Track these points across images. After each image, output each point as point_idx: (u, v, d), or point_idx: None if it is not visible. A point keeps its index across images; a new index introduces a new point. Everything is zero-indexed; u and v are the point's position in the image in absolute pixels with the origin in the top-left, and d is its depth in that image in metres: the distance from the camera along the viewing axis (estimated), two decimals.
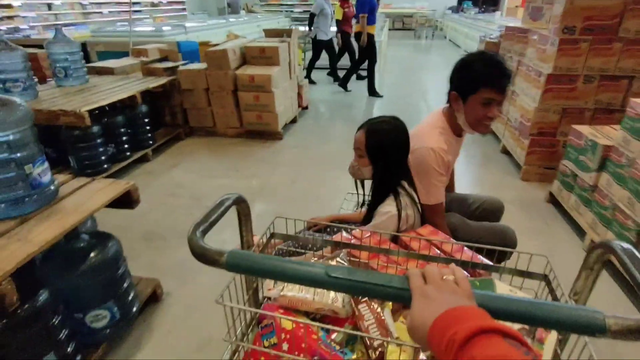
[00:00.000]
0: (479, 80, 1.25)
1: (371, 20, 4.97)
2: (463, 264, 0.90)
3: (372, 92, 5.41)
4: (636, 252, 0.56)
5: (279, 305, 0.83)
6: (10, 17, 8.93)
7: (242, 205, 0.79)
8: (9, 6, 8.87)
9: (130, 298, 1.49)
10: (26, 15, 9.32)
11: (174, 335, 1.58)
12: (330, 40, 5.71)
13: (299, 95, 4.35)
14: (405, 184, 1.27)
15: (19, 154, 1.19)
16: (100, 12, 12.15)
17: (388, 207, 1.22)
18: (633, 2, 2.30)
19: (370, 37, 5.04)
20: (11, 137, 1.17)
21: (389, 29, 13.69)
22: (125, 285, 1.46)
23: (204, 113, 3.70)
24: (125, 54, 4.34)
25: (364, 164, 1.26)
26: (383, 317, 0.79)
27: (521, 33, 3.12)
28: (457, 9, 15.56)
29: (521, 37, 3.11)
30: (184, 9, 15.49)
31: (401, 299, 0.49)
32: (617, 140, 1.92)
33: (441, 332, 0.41)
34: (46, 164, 1.30)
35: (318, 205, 2.60)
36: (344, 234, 1.05)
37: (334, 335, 0.80)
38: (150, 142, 3.28)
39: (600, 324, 0.45)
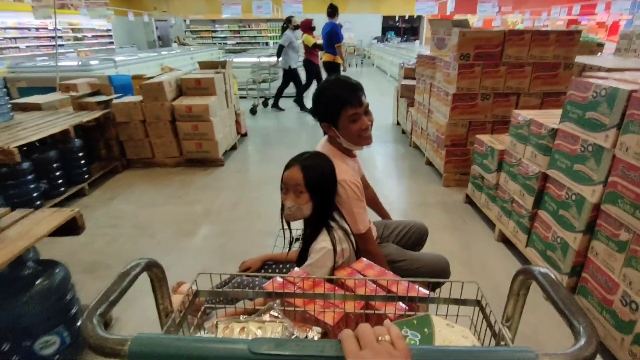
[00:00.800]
0: (337, 105, 1.33)
1: (334, 50, 5.72)
2: (400, 299, 0.92)
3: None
4: (552, 275, 0.62)
5: None
6: None
7: (154, 271, 0.72)
8: None
9: (79, 323, 1.50)
10: None
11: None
12: (296, 69, 6.19)
13: (237, 123, 4.51)
14: (337, 216, 1.28)
15: None
16: (17, 47, 11.44)
17: (323, 243, 1.21)
18: (510, 34, 2.81)
19: (337, 65, 5.81)
20: None
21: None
22: (74, 310, 1.48)
23: (142, 144, 3.70)
24: (51, 90, 4.21)
25: (304, 201, 1.23)
26: None
27: (430, 60, 3.59)
28: (382, 38, 16.92)
29: (431, 64, 3.58)
30: (111, 42, 15.07)
31: None
32: (507, 145, 2.32)
33: None
34: None
35: (261, 222, 2.74)
36: (278, 279, 1.01)
37: None
38: (86, 176, 3.21)
39: None
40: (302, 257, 1.30)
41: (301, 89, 6.40)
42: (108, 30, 15.45)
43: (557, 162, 1.84)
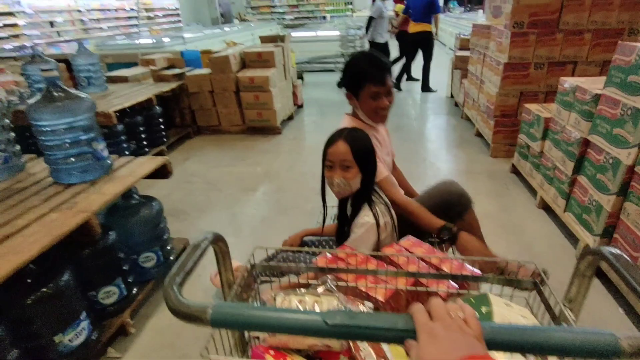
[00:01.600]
0: (361, 78, 1.39)
1: (429, 19, 5.28)
2: (453, 277, 0.91)
3: (426, 88, 5.73)
4: (627, 257, 0.58)
5: (269, 346, 0.78)
6: (15, 36, 9.35)
7: (219, 244, 0.76)
8: (15, 25, 9.30)
9: (169, 247, 1.91)
10: (30, 34, 9.73)
11: (204, 277, 2.00)
12: (386, 43, 5.91)
13: (294, 94, 4.80)
14: (377, 190, 1.30)
15: (89, 135, 1.62)
16: (100, 28, 12.57)
17: (365, 218, 1.22)
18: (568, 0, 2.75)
19: (430, 34, 5.36)
20: (82, 123, 1.60)
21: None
22: (165, 236, 1.88)
23: (210, 113, 4.14)
24: (133, 64, 4.78)
25: (353, 175, 1.22)
26: (381, 348, 0.77)
27: (485, 29, 3.56)
28: (443, 8, 16.12)
29: (485, 33, 3.55)
30: (179, 21, 15.98)
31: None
32: (553, 113, 2.36)
33: None
34: (104, 143, 1.73)
35: (314, 181, 2.99)
36: (327, 254, 1.03)
37: None
38: (165, 139, 3.71)
39: (614, 347, 0.44)
40: (340, 233, 1.31)
41: (405, 62, 5.99)
42: (176, 8, 16.35)
43: (598, 127, 1.89)
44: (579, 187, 2.06)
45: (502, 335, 0.45)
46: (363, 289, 0.92)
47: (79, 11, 11.85)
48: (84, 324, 1.40)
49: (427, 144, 3.80)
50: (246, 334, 0.88)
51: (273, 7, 17.14)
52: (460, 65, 4.58)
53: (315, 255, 1.15)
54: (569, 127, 2.15)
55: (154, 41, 7.70)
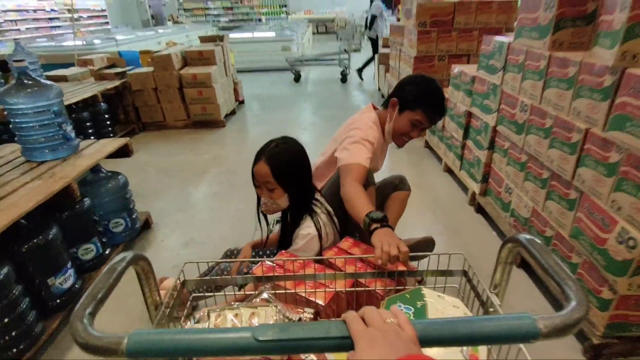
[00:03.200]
0: (421, 103, 1.37)
1: None
2: (389, 274, 0.94)
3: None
4: (538, 241, 0.63)
5: None
6: None
7: (140, 264, 0.70)
8: None
9: (134, 215, 2.19)
10: None
11: (166, 243, 2.29)
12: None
13: (235, 91, 5.11)
14: (319, 197, 1.28)
15: (60, 118, 1.86)
16: (18, 29, 11.80)
17: (307, 229, 1.21)
18: (459, 4, 3.39)
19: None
20: (55, 107, 1.84)
21: (313, 33, 14.77)
22: (131, 205, 2.16)
23: (154, 109, 4.32)
24: (70, 65, 4.78)
25: (279, 195, 1.21)
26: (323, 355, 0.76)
27: (400, 29, 4.17)
28: None
29: (400, 32, 4.16)
30: (106, 23, 15.33)
31: (343, 348, 0.45)
32: (449, 94, 2.96)
33: None
34: (72, 126, 1.97)
35: None
36: (267, 263, 1.02)
37: None
38: (112, 135, 3.85)
39: (532, 330, 0.46)
40: (282, 242, 1.31)
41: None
42: (103, 10, 15.65)
43: (475, 101, 2.48)
44: (467, 149, 2.65)
45: (433, 332, 0.47)
46: (303, 295, 0.92)
47: None
48: (71, 272, 1.67)
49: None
50: None
51: (207, 9, 17.06)
52: (384, 61, 5.19)
53: (255, 264, 1.11)
54: (458, 103, 2.75)
55: (84, 43, 7.55)
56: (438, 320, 0.50)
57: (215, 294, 1.04)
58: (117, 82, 3.99)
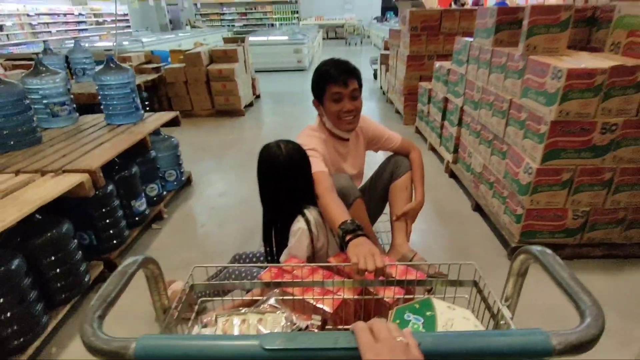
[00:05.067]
0: (324, 80, 1.41)
1: None
2: (399, 283, 0.93)
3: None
4: (550, 251, 0.64)
5: None
6: None
7: (150, 268, 0.70)
8: None
9: (182, 170, 2.86)
10: None
11: (204, 194, 2.95)
12: None
13: (253, 86, 5.79)
14: (312, 209, 1.28)
15: (134, 92, 2.53)
16: (49, 32, 12.67)
17: (297, 225, 1.23)
18: (445, 12, 4.03)
19: None
20: (131, 84, 2.51)
21: (323, 38, 15.49)
22: (180, 162, 2.83)
23: (184, 99, 5.02)
24: None
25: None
26: None
27: (397, 32, 4.82)
28: (381, 18, 17.88)
29: (397, 35, 4.81)
30: (128, 27, 16.23)
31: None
32: (432, 85, 3.59)
33: None
34: (139, 99, 2.64)
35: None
36: (274, 268, 1.03)
37: None
38: None
39: (546, 347, 0.46)
40: (281, 241, 1.32)
41: None
42: (125, 14, 16.60)
43: (450, 89, 3.12)
44: (444, 128, 3.28)
45: (442, 346, 0.47)
46: (310, 302, 0.92)
47: (28, 15, 11.93)
48: (143, 200, 2.33)
49: None
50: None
51: (222, 14, 17.94)
52: (385, 62, 5.84)
53: (262, 269, 1.12)
54: (438, 92, 3.38)
55: (114, 44, 8.35)
56: (448, 333, 0.50)
57: (223, 298, 1.01)
58: (154, 76, 4.69)
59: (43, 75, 2.39)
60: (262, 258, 1.53)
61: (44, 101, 2.43)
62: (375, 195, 1.77)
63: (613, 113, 1.70)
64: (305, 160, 1.31)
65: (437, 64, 3.46)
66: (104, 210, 1.99)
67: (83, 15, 14.17)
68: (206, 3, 17.92)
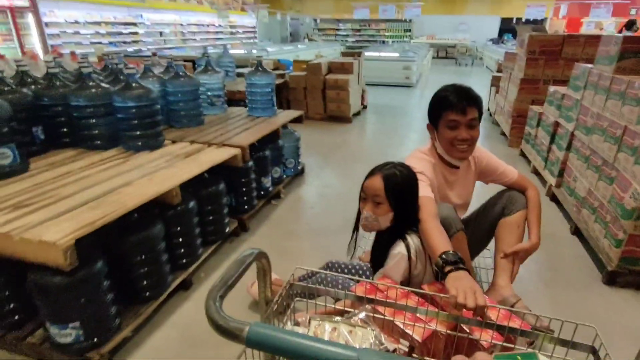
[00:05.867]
0: (441, 106, 1.38)
1: None
2: (498, 328, 0.86)
3: None
4: None
5: None
6: (135, 42, 11.66)
7: (262, 262, 0.77)
8: (136, 33, 11.62)
9: (299, 160, 3.36)
10: (146, 40, 12.04)
11: (314, 183, 3.41)
12: None
13: (362, 97, 6.24)
14: (413, 235, 1.27)
15: (271, 91, 3.10)
16: (194, 39, 14.83)
17: (398, 248, 1.24)
18: (568, 37, 3.96)
19: None
20: (272, 84, 3.09)
21: (433, 57, 15.47)
22: (299, 152, 3.33)
23: (302, 103, 5.67)
24: (245, 67, 6.47)
25: (383, 211, 1.25)
26: None
27: (513, 55, 4.81)
28: (498, 40, 17.17)
29: (513, 58, 4.80)
30: (255, 37, 18.24)
31: None
32: (544, 109, 3.58)
33: None
34: (274, 97, 3.21)
35: (377, 146, 4.42)
36: (367, 284, 1.02)
37: None
38: None
39: None
40: (376, 264, 1.33)
41: None
42: (253, 27, 18.65)
43: (563, 113, 3.11)
44: (551, 152, 3.27)
45: None
46: (400, 326, 0.90)
47: (182, 24, 14.18)
48: (270, 178, 2.86)
49: None
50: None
51: (338, 29, 19.05)
52: (495, 83, 5.80)
53: (353, 281, 1.14)
54: (550, 116, 3.38)
55: (245, 52, 9.62)
56: None
57: (316, 301, 1.02)
58: (280, 81, 5.42)
59: (209, 73, 3.09)
60: (353, 270, 1.56)
61: (208, 93, 3.14)
62: (480, 228, 1.65)
63: None
64: (415, 183, 1.29)
65: (552, 88, 3.46)
66: (243, 180, 2.54)
67: (222, 26, 16.36)
68: (325, 19, 19.22)
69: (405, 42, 16.20)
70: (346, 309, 1.00)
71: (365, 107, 6.56)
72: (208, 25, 15.25)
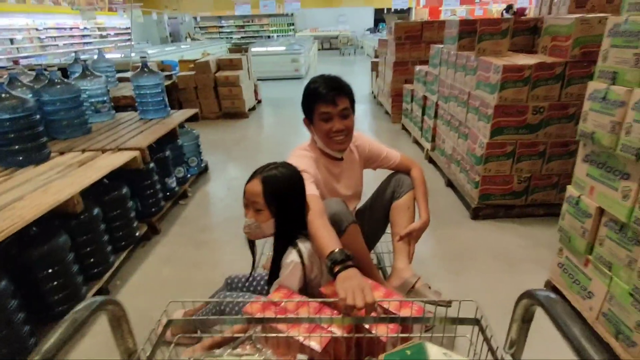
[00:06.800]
0: (311, 99, 1.36)
1: None
2: (391, 320, 0.86)
3: None
4: (554, 296, 0.58)
5: None
6: None
7: (109, 309, 0.64)
8: None
9: (201, 158, 3.38)
10: None
11: (220, 178, 3.47)
12: None
13: (255, 92, 6.35)
14: (304, 239, 1.21)
15: (163, 92, 3.06)
16: (56, 45, 13.20)
17: (290, 257, 1.17)
18: (425, 23, 4.62)
19: None
20: (162, 84, 3.04)
21: (318, 49, 16.15)
22: (200, 150, 3.35)
23: (194, 103, 5.55)
24: (125, 71, 6.06)
25: (265, 218, 1.17)
26: None
27: (385, 42, 5.41)
28: (374, 30, 18.65)
29: (385, 44, 5.39)
30: (129, 39, 16.82)
31: None
32: (415, 87, 4.15)
33: None
34: (167, 99, 3.17)
35: (275, 141, 4.61)
36: (260, 300, 0.98)
37: None
38: None
39: None
40: (273, 275, 1.25)
41: None
42: (127, 28, 17.21)
43: (428, 87, 3.67)
44: (424, 122, 3.83)
45: None
46: (297, 338, 0.86)
47: (37, 29, 12.48)
48: (174, 178, 2.85)
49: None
50: None
51: (221, 27, 18.63)
52: (375, 68, 6.42)
53: (246, 302, 1.05)
54: (419, 92, 3.94)
55: (122, 55, 8.94)
56: None
57: (204, 335, 0.91)
58: (168, 82, 5.23)
59: (89, 78, 2.92)
60: (255, 283, 1.47)
61: (91, 100, 2.96)
62: (376, 215, 1.66)
63: (540, 99, 2.25)
64: (300, 182, 1.22)
65: (418, 67, 4.02)
66: (147, 182, 2.50)
67: (87, 29, 14.76)
68: (205, 16, 18.60)
69: (290, 36, 16.64)
70: (236, 335, 0.95)
71: (259, 101, 6.68)
72: (71, 29, 13.64)
